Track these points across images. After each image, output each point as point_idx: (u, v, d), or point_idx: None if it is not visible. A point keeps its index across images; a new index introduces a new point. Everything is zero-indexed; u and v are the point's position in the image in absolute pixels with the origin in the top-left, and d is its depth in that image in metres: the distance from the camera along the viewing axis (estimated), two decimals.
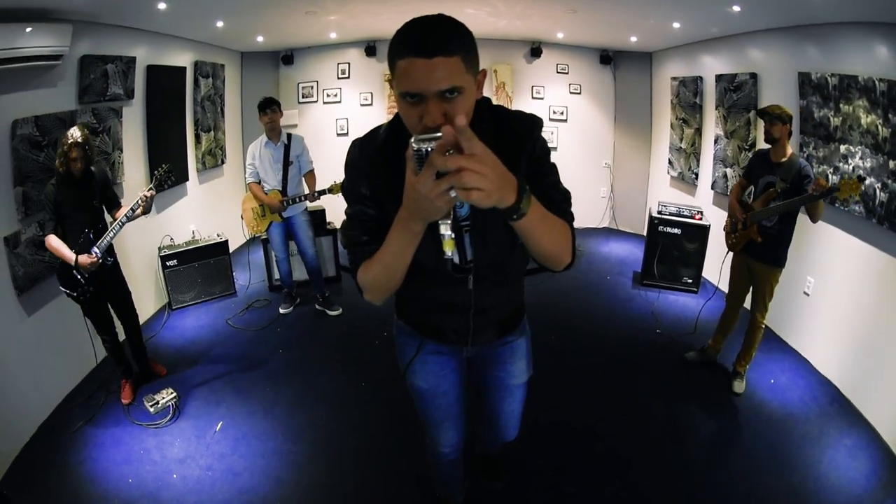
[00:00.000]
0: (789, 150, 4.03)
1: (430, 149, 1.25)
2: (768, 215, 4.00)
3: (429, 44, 1.34)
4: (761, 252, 4.15)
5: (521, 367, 2.35)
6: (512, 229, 1.47)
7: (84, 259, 3.76)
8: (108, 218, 4.12)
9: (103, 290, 4.06)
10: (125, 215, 3.90)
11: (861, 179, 3.55)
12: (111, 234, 3.91)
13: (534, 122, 1.70)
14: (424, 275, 1.79)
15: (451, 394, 2.36)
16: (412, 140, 1.27)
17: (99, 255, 3.85)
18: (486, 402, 2.52)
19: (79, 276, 3.85)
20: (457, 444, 2.55)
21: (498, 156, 1.29)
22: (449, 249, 1.37)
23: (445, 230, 1.36)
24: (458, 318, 2.04)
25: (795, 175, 3.91)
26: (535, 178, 1.57)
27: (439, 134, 1.24)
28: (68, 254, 3.74)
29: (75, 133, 3.73)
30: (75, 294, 3.92)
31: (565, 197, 1.75)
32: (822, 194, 3.57)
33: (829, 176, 4.49)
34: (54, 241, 3.76)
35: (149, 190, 3.98)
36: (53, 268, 4.13)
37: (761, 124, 5.40)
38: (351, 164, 1.72)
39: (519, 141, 1.64)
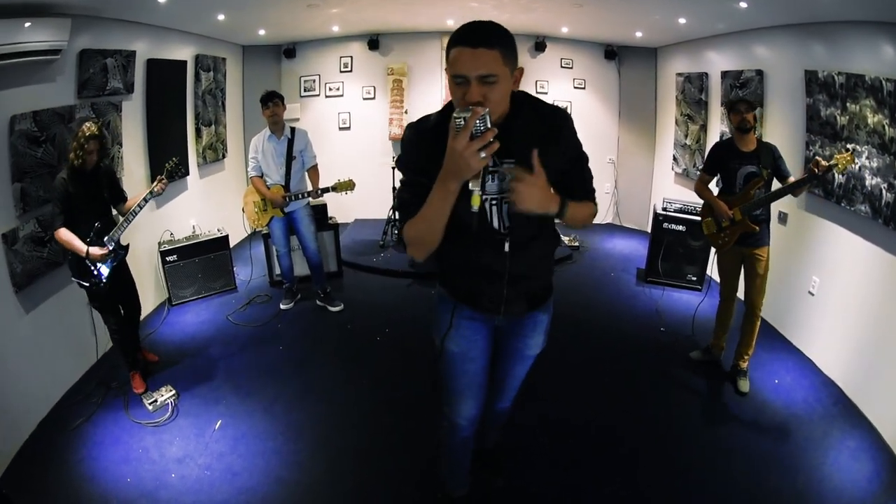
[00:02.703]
0: (755, 139, 4.17)
1: (467, 118, 1.66)
2: (767, 203, 4.05)
3: (474, 37, 1.74)
4: (758, 237, 4.17)
5: (539, 341, 2.58)
6: None
7: (95, 251, 3.80)
8: (114, 213, 4.17)
9: (111, 281, 4.05)
10: (138, 205, 3.98)
11: (852, 151, 3.72)
12: (123, 227, 3.96)
13: (564, 117, 2.09)
14: (467, 240, 2.10)
15: (478, 361, 2.54)
16: (454, 113, 1.70)
17: (112, 248, 3.90)
18: (498, 367, 2.71)
19: (92, 268, 3.88)
20: (473, 417, 2.69)
21: (533, 139, 1.87)
22: (476, 204, 1.76)
23: (475, 186, 1.75)
24: (495, 285, 2.25)
25: (771, 159, 4.05)
26: (575, 172, 2.15)
27: (477, 107, 1.67)
28: (80, 245, 3.76)
29: (91, 126, 3.79)
30: (87, 285, 3.93)
31: (592, 181, 2.25)
32: (825, 172, 3.62)
33: (836, 176, 4.46)
34: (65, 234, 3.76)
35: (160, 180, 4.07)
36: (54, 263, 4.17)
37: (770, 121, 5.39)
38: (407, 140, 2.10)
39: (552, 131, 2.02)
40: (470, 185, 1.76)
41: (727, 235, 4.27)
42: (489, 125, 1.68)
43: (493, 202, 2.10)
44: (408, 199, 2.07)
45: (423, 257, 2.11)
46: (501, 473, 3.44)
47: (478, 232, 2.07)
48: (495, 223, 2.14)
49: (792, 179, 3.93)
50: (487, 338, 2.53)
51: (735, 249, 4.30)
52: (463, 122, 1.66)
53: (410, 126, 2.12)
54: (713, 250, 6.05)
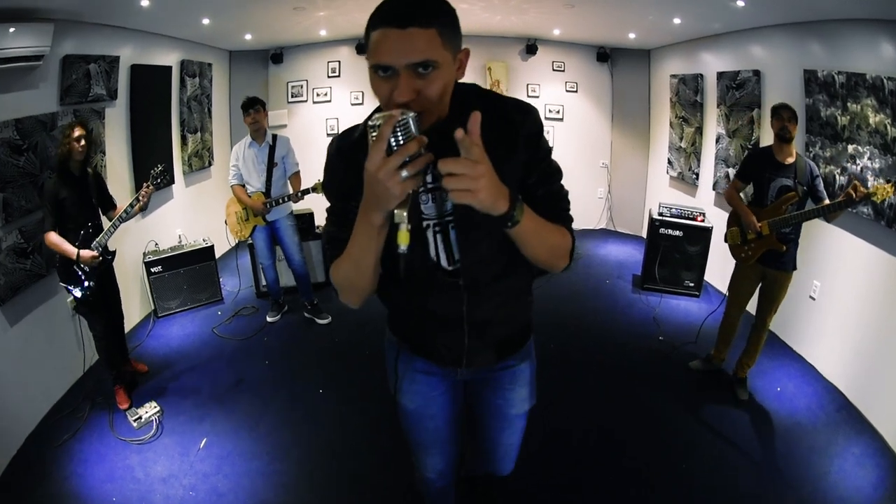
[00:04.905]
0: (795, 150, 3.93)
1: (380, 126, 1.18)
2: (798, 221, 3.86)
3: (403, 14, 1.27)
4: (784, 259, 4.00)
5: (523, 396, 2.13)
6: (502, 231, 1.44)
7: (86, 254, 3.77)
8: (104, 219, 4.13)
9: (99, 287, 4.00)
10: (125, 211, 3.96)
11: (893, 182, 3.44)
12: (110, 231, 3.94)
13: (527, 110, 1.58)
14: (414, 282, 1.69)
15: (439, 417, 2.14)
16: (368, 119, 1.26)
17: (99, 251, 3.86)
18: (481, 429, 2.30)
19: (80, 272, 3.83)
20: (443, 471, 2.33)
21: (488, 143, 1.25)
22: (403, 243, 1.27)
23: (401, 218, 1.26)
24: (452, 334, 1.83)
25: (808, 176, 3.83)
26: (539, 185, 1.60)
27: (395, 111, 1.19)
28: (70, 249, 3.73)
29: (74, 122, 3.81)
30: (77, 291, 3.88)
31: (567, 203, 1.71)
32: (862, 200, 3.44)
33: (836, 177, 4.41)
34: (55, 237, 3.73)
35: (147, 187, 4.05)
36: (38, 275, 4.12)
37: (768, 123, 5.29)
38: (328, 160, 1.66)
39: (512, 129, 1.53)
40: (395, 216, 1.28)
41: (751, 249, 4.10)
42: (414, 133, 1.20)
43: (437, 229, 1.64)
44: (333, 233, 1.65)
45: (359, 304, 1.69)
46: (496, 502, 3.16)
47: (422, 270, 1.69)
48: (443, 258, 1.68)
49: (827, 202, 3.73)
50: (449, 392, 2.12)
51: (756, 267, 4.14)
52: (377, 132, 1.20)
53: (333, 141, 1.67)
54: (709, 257, 6.06)
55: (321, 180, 4.95)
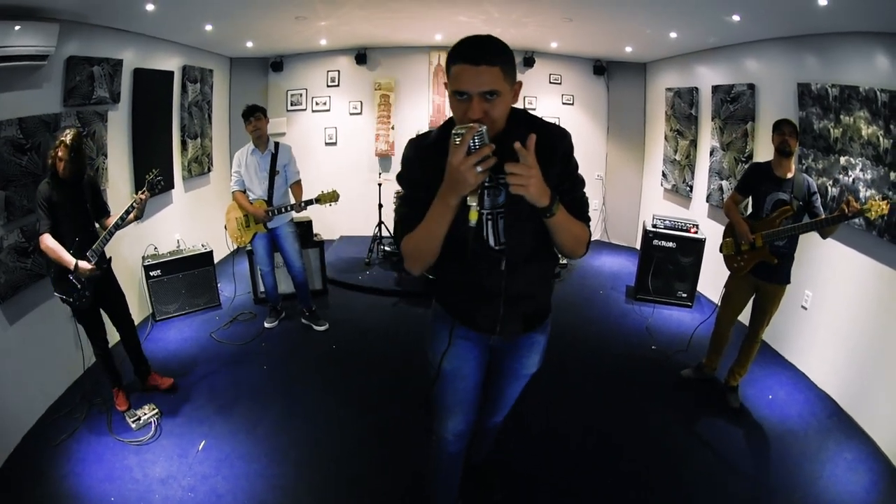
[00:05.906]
0: (794, 166, 3.98)
1: (464, 134, 1.68)
2: (790, 234, 3.89)
3: (477, 54, 1.77)
4: (777, 272, 4.04)
5: (535, 361, 2.62)
6: (540, 223, 1.96)
7: (84, 265, 3.68)
8: (96, 227, 4.04)
9: (96, 295, 3.94)
10: (120, 218, 3.84)
11: (888, 199, 3.52)
12: (106, 239, 3.84)
13: (563, 135, 2.06)
14: (464, 257, 2.09)
15: (470, 379, 2.53)
16: (454, 129, 1.72)
17: (95, 261, 3.78)
18: (492, 384, 2.75)
19: (76, 282, 3.76)
20: (461, 433, 2.67)
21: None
22: (473, 218, 1.79)
23: (472, 201, 1.78)
24: (490, 305, 2.26)
25: (805, 192, 3.87)
26: (568, 192, 2.06)
27: (473, 124, 1.70)
28: (67, 257, 3.64)
29: (68, 133, 3.65)
30: (71, 300, 3.81)
31: (587, 207, 2.20)
32: (854, 215, 3.47)
33: (829, 188, 4.47)
34: (50, 242, 3.62)
35: (142, 193, 3.93)
36: (38, 275, 4.10)
37: (761, 136, 5.34)
38: (407, 156, 2.13)
39: (551, 147, 1.96)
40: (468, 200, 1.79)
41: (744, 260, 4.16)
42: (486, 141, 1.71)
43: (489, 217, 2.13)
44: (407, 214, 2.11)
45: (420, 271, 2.15)
46: (496, 489, 3.40)
47: (474, 249, 2.12)
48: (491, 240, 2.15)
49: (821, 217, 3.76)
50: (480, 356, 2.53)
51: (749, 278, 4.19)
52: (460, 139, 1.70)
53: (411, 142, 2.15)
54: (701, 269, 6.08)
55: (325, 191, 5.11)
